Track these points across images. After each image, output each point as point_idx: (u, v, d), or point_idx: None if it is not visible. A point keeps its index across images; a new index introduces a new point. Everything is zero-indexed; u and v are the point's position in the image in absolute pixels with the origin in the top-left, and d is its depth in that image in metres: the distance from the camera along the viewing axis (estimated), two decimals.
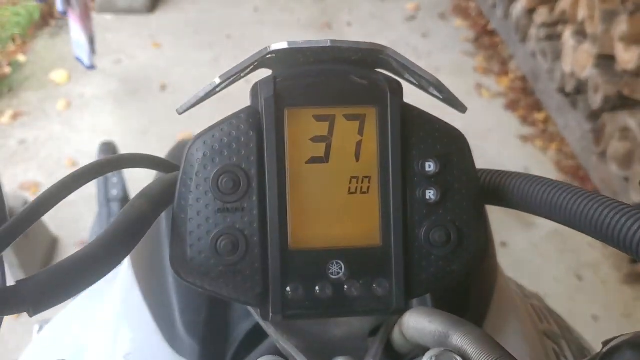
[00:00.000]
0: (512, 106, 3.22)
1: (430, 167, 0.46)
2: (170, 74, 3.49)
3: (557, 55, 2.93)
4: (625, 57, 2.32)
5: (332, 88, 0.45)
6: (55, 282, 0.37)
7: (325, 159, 0.45)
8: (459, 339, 0.38)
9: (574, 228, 0.43)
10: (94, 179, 0.44)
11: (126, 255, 0.41)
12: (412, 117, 0.46)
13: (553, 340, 0.69)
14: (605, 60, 2.50)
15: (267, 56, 0.45)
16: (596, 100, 2.51)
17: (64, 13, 2.65)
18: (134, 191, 2.19)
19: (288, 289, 0.45)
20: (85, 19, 2.88)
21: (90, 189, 2.53)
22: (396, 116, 0.45)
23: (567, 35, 2.81)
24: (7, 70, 3.58)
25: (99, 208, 2.13)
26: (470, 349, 0.37)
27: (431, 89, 0.49)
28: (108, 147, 2.13)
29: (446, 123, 0.47)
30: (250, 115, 0.45)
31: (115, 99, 3.30)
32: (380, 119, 0.45)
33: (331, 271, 0.45)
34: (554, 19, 3.01)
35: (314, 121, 0.45)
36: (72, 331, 0.80)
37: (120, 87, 3.39)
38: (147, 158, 0.53)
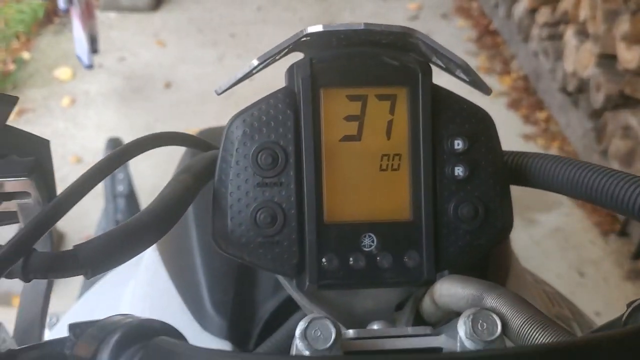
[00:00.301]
0: (514, 105, 3.24)
1: (459, 144, 0.48)
2: (174, 72, 3.51)
3: (559, 55, 2.96)
4: (627, 56, 2.35)
5: (365, 69, 0.48)
6: (110, 247, 0.40)
7: (357, 137, 0.48)
8: (492, 301, 0.40)
9: (594, 203, 0.45)
10: (140, 153, 0.47)
11: (172, 226, 0.44)
12: (442, 97, 0.49)
13: (565, 323, 0.71)
14: (607, 60, 2.52)
15: (302, 39, 0.47)
16: (598, 99, 2.53)
17: (66, 10, 2.67)
18: (139, 187, 2.22)
19: (324, 260, 0.47)
20: (87, 18, 2.90)
21: (97, 185, 2.54)
22: (427, 96, 0.47)
23: (569, 34, 2.83)
24: (12, 67, 3.60)
25: (105, 204, 2.15)
26: (504, 309, 0.39)
27: (458, 72, 0.51)
28: (115, 143, 2.16)
29: (473, 103, 0.49)
30: (287, 95, 0.48)
31: (120, 96, 3.32)
32: (411, 98, 0.48)
33: (364, 244, 0.48)
34: (555, 19, 3.03)
35: (348, 101, 0.47)
36: (98, 313, 0.82)
37: (125, 84, 3.42)
38: (184, 136, 0.55)
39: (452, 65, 0.50)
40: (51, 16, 4.16)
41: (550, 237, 2.45)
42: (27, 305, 0.51)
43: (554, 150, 2.90)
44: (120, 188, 2.22)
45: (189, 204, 0.46)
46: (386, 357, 0.40)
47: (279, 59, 0.50)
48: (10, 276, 0.38)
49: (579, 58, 2.70)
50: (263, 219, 0.47)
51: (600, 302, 2.15)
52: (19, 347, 0.35)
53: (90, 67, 3.04)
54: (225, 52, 3.74)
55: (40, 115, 3.16)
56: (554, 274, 2.26)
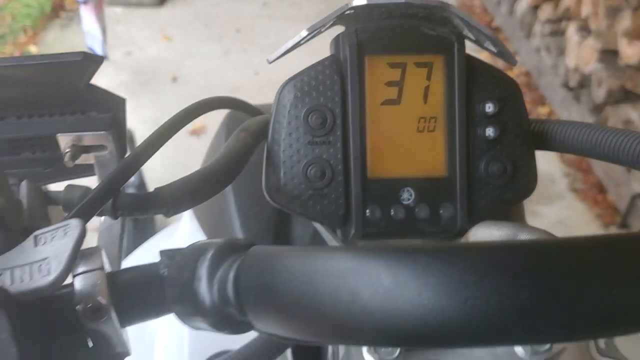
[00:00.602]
0: None
1: (489, 108, 0.52)
2: (180, 66, 3.55)
3: (561, 51, 3.00)
4: (629, 51, 2.40)
5: (404, 39, 0.52)
6: (186, 189, 0.45)
7: (397, 101, 0.52)
8: (527, 237, 0.45)
9: (612, 161, 0.50)
10: (202, 114, 0.52)
11: (235, 177, 0.49)
12: (474, 65, 0.53)
13: None
14: (609, 55, 2.57)
15: (347, 12, 0.52)
16: (599, 94, 2.58)
17: (84, 2, 2.71)
18: (149, 178, 2.26)
19: (367, 211, 0.52)
20: (100, 10, 2.94)
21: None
22: (461, 63, 0.52)
23: (571, 31, 2.88)
24: None
25: None
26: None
27: (487, 44, 0.55)
28: (128, 134, 2.20)
29: (503, 72, 0.54)
30: (334, 62, 0.52)
31: (127, 89, 3.35)
32: (447, 66, 0.52)
33: (403, 197, 0.52)
34: (558, 15, 3.07)
35: (389, 67, 0.52)
36: None
37: (132, 78, 3.45)
38: (235, 101, 0.61)
39: (482, 37, 0.54)
40: (58, 10, 4.20)
41: (552, 229, 2.45)
42: (105, 245, 0.56)
43: None
44: (132, 179, 2.27)
45: (248, 158, 0.50)
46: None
47: (324, 30, 0.55)
48: (101, 214, 0.43)
49: (580, 54, 2.75)
50: (313, 173, 0.51)
51: None
52: (116, 270, 0.39)
53: (104, 57, 3.07)
54: (230, 46, 3.78)
55: None
56: None
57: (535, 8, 3.31)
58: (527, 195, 0.54)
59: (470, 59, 0.53)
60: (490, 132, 0.53)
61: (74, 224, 0.34)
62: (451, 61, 0.52)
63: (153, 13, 4.16)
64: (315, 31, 0.53)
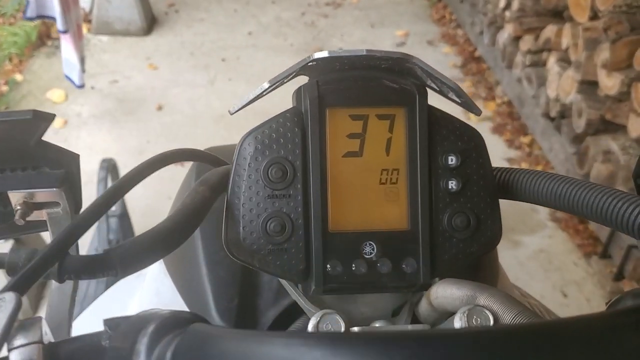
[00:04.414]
0: (498, 130, 3.31)
1: (452, 160, 0.53)
2: (166, 95, 3.56)
3: (542, 81, 3.04)
4: (608, 83, 2.43)
5: (366, 91, 0.52)
6: (137, 250, 0.44)
7: (359, 153, 0.52)
8: (485, 299, 0.44)
9: (577, 214, 0.50)
10: (157, 170, 0.52)
11: (192, 233, 0.48)
12: (436, 117, 0.53)
13: None
14: (589, 86, 2.59)
15: (310, 63, 0.52)
16: (580, 124, 2.61)
17: (65, 32, 2.71)
18: (131, 209, 2.24)
19: (328, 266, 0.51)
20: (78, 39, 2.93)
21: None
22: (423, 115, 0.52)
23: (552, 62, 2.91)
24: (4, 88, 3.63)
25: (98, 223, 2.18)
26: (495, 306, 0.43)
27: (451, 94, 0.56)
28: (109, 164, 2.20)
29: (465, 123, 0.54)
30: (295, 114, 0.52)
31: (112, 118, 3.36)
32: (409, 118, 0.52)
33: (365, 251, 0.52)
34: (538, 47, 3.11)
35: (350, 120, 0.52)
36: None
37: (117, 106, 3.46)
38: (196, 152, 0.61)
39: (446, 88, 0.54)
40: (44, 39, 4.20)
41: (534, 258, 2.51)
42: (55, 306, 0.55)
43: None
44: (114, 208, 2.26)
45: (206, 213, 0.50)
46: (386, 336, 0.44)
47: (287, 81, 0.55)
48: (47, 278, 0.42)
49: (561, 84, 2.78)
50: (273, 227, 0.51)
51: None
52: (56, 341, 0.38)
53: (82, 86, 3.05)
54: (216, 75, 3.79)
55: None
56: (538, 294, 2.29)
57: (516, 39, 3.35)
58: (492, 247, 0.54)
59: (432, 111, 0.53)
60: (453, 184, 0.53)
61: (8, 297, 0.34)
62: (413, 113, 0.52)
63: (139, 42, 4.18)
64: (277, 83, 0.53)
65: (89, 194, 2.62)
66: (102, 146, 3.08)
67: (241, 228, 0.51)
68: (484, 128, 3.33)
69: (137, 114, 3.39)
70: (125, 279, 1.00)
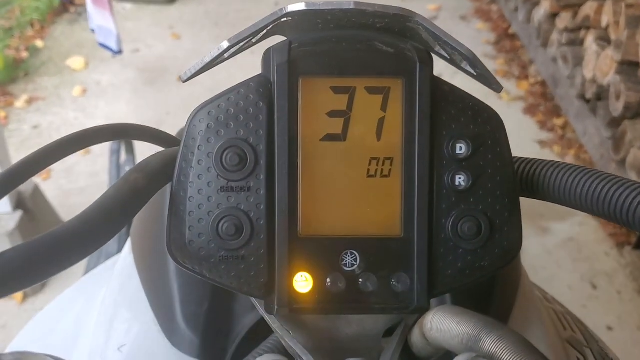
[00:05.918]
0: (531, 111, 3.18)
1: (461, 149, 0.41)
2: (188, 65, 3.47)
3: (579, 61, 2.89)
4: None
5: (353, 56, 0.40)
6: (29, 261, 0.31)
7: (342, 136, 0.41)
8: (492, 344, 0.35)
9: (619, 223, 0.38)
10: (88, 146, 0.43)
11: (113, 236, 0.36)
12: (443, 92, 0.41)
13: (577, 349, 0.64)
14: (629, 67, 2.45)
15: (282, 19, 0.40)
16: (617, 107, 2.46)
17: None
18: None
19: (296, 279, 0.41)
20: (112, 6, 2.89)
21: (102, 177, 2.52)
22: (425, 90, 0.40)
23: (590, 40, 2.77)
24: (25, 54, 3.58)
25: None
26: (505, 354, 0.34)
27: (464, 64, 0.44)
28: None
29: (480, 101, 0.42)
30: (261, 84, 0.40)
31: (132, 87, 3.29)
32: (407, 92, 0.40)
33: (345, 262, 0.41)
34: (576, 24, 2.96)
35: (332, 93, 0.40)
36: (67, 319, 0.76)
37: (138, 76, 3.39)
38: (146, 129, 0.49)
39: (458, 55, 0.43)
40: (66, 5, 4.15)
41: (563, 247, 2.39)
42: None
43: (570, 159, 2.83)
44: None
45: (139, 208, 0.38)
46: None
47: (255, 42, 0.43)
48: None
49: (599, 64, 2.64)
50: (226, 229, 0.40)
51: (613, 316, 2.09)
52: None
53: (120, 52, 2.97)
54: None
55: (50, 104, 3.14)
56: (565, 285, 2.20)
57: (553, 16, 3.19)
58: (508, 261, 0.42)
59: (438, 84, 0.41)
60: (461, 180, 0.41)
61: None
62: (413, 86, 0.40)
63: (163, 10, 4.10)
64: (240, 43, 0.41)
65: (102, 166, 2.56)
66: (120, 116, 3.02)
67: (187, 228, 0.40)
68: (515, 108, 3.20)
69: (158, 84, 3.32)
70: (103, 265, 0.91)
